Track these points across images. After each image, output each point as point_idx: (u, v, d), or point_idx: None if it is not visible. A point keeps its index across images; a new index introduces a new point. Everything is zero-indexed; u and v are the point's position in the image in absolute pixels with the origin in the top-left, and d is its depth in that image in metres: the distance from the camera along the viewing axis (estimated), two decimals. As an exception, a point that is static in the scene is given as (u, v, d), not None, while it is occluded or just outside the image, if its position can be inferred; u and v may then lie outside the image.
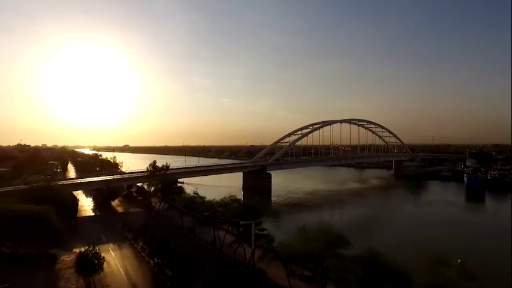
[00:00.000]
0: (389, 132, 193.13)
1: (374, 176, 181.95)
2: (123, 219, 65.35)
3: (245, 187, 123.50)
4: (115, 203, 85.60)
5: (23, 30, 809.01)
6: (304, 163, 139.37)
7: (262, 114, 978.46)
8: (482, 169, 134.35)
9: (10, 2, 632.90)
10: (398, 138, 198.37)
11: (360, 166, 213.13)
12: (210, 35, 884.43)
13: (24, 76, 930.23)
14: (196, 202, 50.89)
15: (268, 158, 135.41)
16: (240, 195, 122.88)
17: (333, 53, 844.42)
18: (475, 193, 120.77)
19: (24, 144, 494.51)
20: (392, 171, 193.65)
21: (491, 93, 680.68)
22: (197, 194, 56.73)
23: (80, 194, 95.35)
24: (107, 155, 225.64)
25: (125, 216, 70.33)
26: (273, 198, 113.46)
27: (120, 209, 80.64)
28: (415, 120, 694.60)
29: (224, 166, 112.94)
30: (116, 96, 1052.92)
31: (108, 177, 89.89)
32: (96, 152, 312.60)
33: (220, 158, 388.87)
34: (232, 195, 48.40)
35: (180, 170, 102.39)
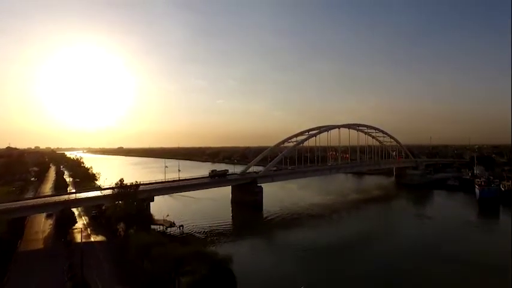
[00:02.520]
0: (391, 137, 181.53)
1: (374, 185, 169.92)
2: (74, 256, 52.68)
3: (234, 201, 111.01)
4: (78, 226, 72.67)
5: (19, 31, 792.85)
6: (299, 174, 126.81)
7: (259, 115, 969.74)
8: (495, 180, 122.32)
9: (6, 2, 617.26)
10: (399, 143, 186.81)
11: (359, 172, 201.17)
12: (207, 36, 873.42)
13: (20, 77, 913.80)
14: (154, 250, 37.92)
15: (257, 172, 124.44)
16: (228, 211, 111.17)
17: (330, 54, 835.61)
18: (488, 208, 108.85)
19: (15, 148, 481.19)
20: (393, 178, 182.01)
21: (489, 93, 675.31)
22: (160, 231, 43.75)
23: (40, 216, 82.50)
24: (96, 159, 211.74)
25: (81, 249, 57.72)
26: (264, 215, 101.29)
27: (79, 237, 67.59)
28: (412, 120, 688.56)
29: (208, 180, 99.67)
30: (113, 97, 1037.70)
31: (70, 197, 76.64)
32: (81, 156, 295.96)
33: (213, 162, 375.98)
34: (198, 251, 35.41)
35: (155, 186, 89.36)
